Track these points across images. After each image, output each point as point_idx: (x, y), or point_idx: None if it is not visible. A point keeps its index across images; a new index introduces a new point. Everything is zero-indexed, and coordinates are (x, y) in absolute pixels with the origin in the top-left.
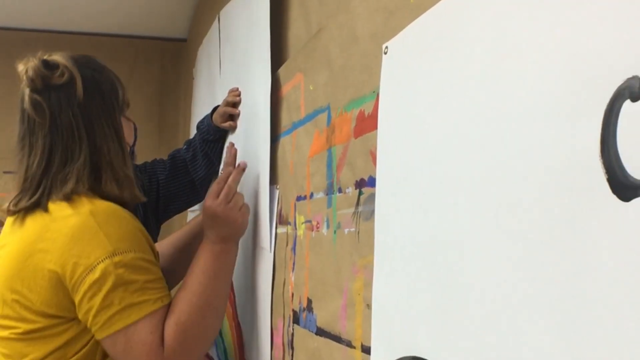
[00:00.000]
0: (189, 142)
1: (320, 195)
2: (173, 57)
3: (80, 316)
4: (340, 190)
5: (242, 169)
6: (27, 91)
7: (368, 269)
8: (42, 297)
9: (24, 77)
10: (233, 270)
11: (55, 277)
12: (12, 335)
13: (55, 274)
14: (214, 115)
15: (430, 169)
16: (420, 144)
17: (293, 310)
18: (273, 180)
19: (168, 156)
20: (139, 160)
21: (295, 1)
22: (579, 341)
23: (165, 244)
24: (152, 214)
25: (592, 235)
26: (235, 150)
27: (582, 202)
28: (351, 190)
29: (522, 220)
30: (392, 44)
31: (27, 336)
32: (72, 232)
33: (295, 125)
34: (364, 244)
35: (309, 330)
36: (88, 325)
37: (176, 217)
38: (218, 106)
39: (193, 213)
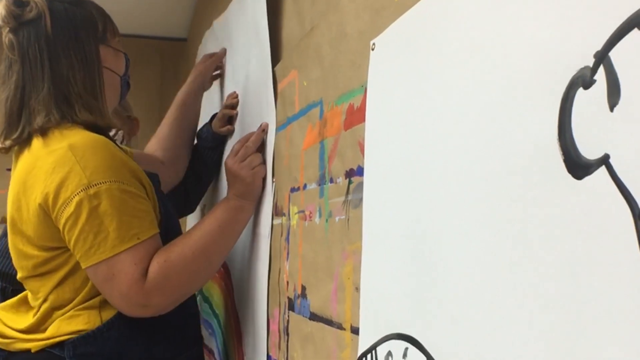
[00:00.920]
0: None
1: (313, 186)
2: (173, 57)
3: (69, 247)
4: (331, 181)
5: (263, 130)
6: (5, 32)
7: (357, 254)
8: (38, 231)
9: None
10: (241, 231)
11: (42, 211)
12: (27, 273)
13: (41, 207)
14: (214, 121)
15: (414, 159)
16: (404, 135)
17: (288, 297)
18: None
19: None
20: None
21: (288, 1)
22: (553, 320)
23: (160, 130)
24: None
25: (552, 213)
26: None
27: (543, 183)
28: (341, 180)
29: (495, 205)
30: (378, 40)
31: (36, 271)
32: (53, 167)
33: (289, 120)
34: (353, 230)
35: (303, 316)
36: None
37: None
38: (216, 114)
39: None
